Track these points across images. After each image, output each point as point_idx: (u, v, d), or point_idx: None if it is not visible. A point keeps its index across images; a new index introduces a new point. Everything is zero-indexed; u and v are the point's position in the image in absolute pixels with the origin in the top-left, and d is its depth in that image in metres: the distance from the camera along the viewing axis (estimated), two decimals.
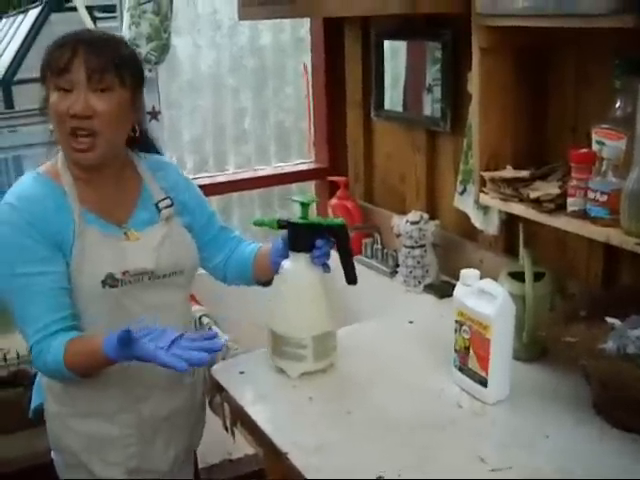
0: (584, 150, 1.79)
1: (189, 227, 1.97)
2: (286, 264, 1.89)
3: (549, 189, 1.86)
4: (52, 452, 2.00)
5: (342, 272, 1.92)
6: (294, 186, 3.46)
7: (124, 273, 1.78)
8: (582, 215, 1.77)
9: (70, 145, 1.73)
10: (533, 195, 1.86)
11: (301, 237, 1.87)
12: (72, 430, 1.89)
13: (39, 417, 1.99)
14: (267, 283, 2.02)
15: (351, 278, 1.93)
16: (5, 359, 3.08)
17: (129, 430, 1.90)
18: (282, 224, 1.89)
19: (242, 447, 2.93)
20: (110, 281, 1.76)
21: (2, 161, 3.85)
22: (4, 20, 8.14)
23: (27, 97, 5.14)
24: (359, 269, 1.89)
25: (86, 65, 1.69)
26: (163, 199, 1.90)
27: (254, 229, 2.18)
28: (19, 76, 7.10)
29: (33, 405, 2.03)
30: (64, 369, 1.69)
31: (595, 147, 1.77)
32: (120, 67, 1.73)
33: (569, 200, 1.79)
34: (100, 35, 1.78)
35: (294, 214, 1.95)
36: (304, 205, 1.87)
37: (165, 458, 1.98)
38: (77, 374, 1.72)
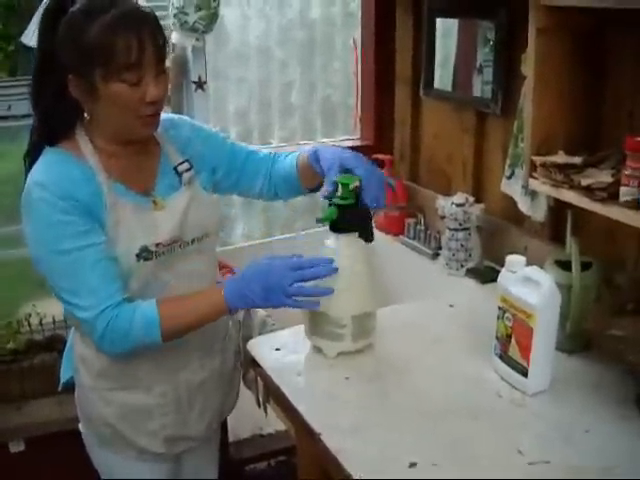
0: None
1: (209, 181, 1.95)
2: (329, 242, 1.85)
3: (602, 177, 1.81)
4: (80, 425, 2.01)
5: (384, 252, 1.89)
6: None
7: (157, 245, 1.76)
8: (635, 205, 1.71)
9: (135, 127, 1.71)
10: (585, 182, 1.81)
11: (344, 218, 1.83)
12: (108, 403, 1.89)
13: (69, 390, 1.99)
14: (317, 188, 1.98)
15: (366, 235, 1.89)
16: (41, 323, 3.10)
17: (165, 399, 1.91)
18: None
19: (273, 423, 2.95)
20: (145, 254, 1.74)
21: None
22: None
23: None
24: (401, 249, 1.86)
25: (156, 55, 1.64)
26: (181, 163, 1.87)
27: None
28: None
29: (63, 379, 2.02)
30: (156, 333, 1.69)
31: None
32: (165, 48, 1.71)
33: (622, 189, 1.73)
34: (145, 13, 1.67)
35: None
36: (345, 185, 1.84)
37: (200, 424, 2.00)
38: (171, 336, 1.73)
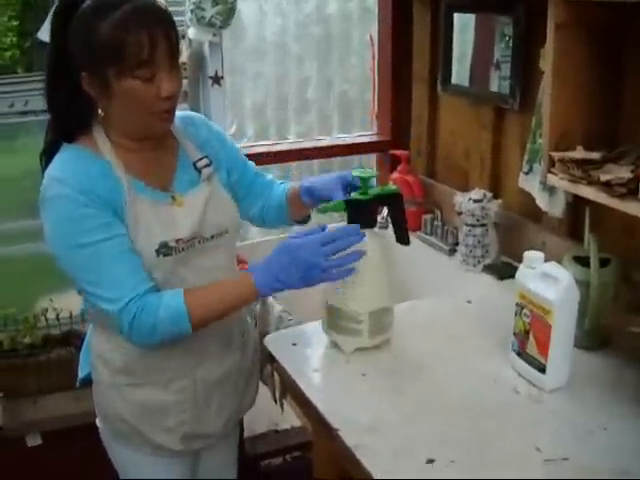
0: None
1: (226, 180, 1.95)
2: None
3: (621, 173, 1.80)
4: (98, 421, 2.00)
5: (401, 248, 1.88)
6: (355, 158, 3.42)
7: (177, 241, 1.76)
8: None
9: (150, 123, 1.71)
10: (604, 178, 1.80)
11: (362, 213, 1.83)
12: (125, 399, 1.88)
13: (85, 385, 1.99)
14: (303, 221, 2.04)
15: (404, 240, 1.90)
16: (58, 318, 3.11)
17: (183, 396, 1.89)
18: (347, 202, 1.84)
19: (289, 419, 2.95)
20: (164, 250, 1.74)
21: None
22: None
23: None
24: (418, 245, 1.86)
25: (169, 52, 1.64)
26: (200, 158, 1.87)
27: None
28: None
29: (81, 375, 2.01)
30: (185, 323, 1.68)
31: None
32: (178, 42, 1.70)
33: None
34: (156, 7, 1.66)
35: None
36: (363, 180, 1.84)
37: (217, 422, 1.98)
38: (200, 324, 1.72)
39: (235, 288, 1.74)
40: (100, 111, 1.75)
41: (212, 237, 1.85)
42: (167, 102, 1.68)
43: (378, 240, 1.86)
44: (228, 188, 1.95)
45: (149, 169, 1.79)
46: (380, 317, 1.88)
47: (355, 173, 1.86)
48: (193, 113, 2.03)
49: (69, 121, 1.73)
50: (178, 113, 1.85)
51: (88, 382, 1.98)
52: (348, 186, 1.88)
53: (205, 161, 1.87)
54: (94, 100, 1.71)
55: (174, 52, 1.66)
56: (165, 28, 1.63)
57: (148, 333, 1.69)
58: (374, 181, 1.92)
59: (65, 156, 1.72)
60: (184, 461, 2.00)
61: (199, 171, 1.85)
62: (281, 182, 2.09)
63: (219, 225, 1.86)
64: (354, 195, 1.84)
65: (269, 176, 2.12)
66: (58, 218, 1.67)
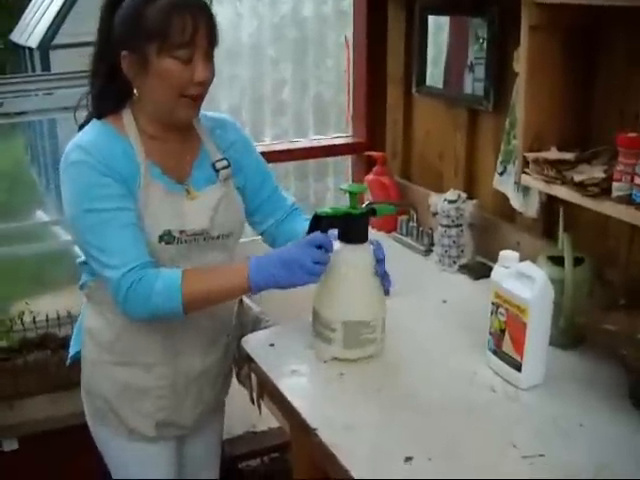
0: (632, 134, 1.74)
1: (242, 188, 1.99)
2: (336, 245, 1.84)
3: (594, 173, 1.82)
4: (82, 395, 2.05)
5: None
6: (330, 160, 3.43)
7: (181, 232, 1.82)
8: (627, 200, 1.72)
9: (179, 107, 1.77)
10: (577, 178, 1.82)
11: (353, 228, 1.84)
12: (108, 377, 1.94)
13: (76, 365, 2.04)
14: None
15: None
16: (34, 321, 3.09)
17: (163, 382, 1.95)
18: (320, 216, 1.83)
19: (267, 420, 2.95)
20: (167, 237, 1.80)
21: (37, 124, 3.85)
22: None
23: (64, 63, 5.14)
24: (393, 246, 1.87)
25: (208, 39, 1.75)
26: (220, 159, 1.92)
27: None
28: (57, 41, 7.10)
29: (72, 352, 2.07)
30: (177, 300, 1.72)
31: None
32: (216, 34, 1.80)
33: (614, 185, 1.75)
34: (204, 1, 1.78)
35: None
36: (352, 194, 1.84)
37: (192, 413, 2.04)
38: (191, 306, 1.76)
39: (231, 276, 1.78)
40: (135, 92, 1.82)
41: (218, 237, 1.90)
42: (198, 87, 1.76)
43: (367, 256, 1.85)
44: (242, 193, 1.99)
45: (169, 159, 1.86)
46: (357, 330, 1.85)
47: (344, 187, 1.87)
48: (226, 116, 2.10)
49: (104, 101, 1.82)
50: (211, 114, 1.98)
51: (78, 360, 2.03)
52: None
53: (224, 162, 1.92)
54: (129, 84, 1.79)
55: (213, 40, 1.77)
56: (207, 17, 1.75)
57: (141, 304, 1.73)
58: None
59: (92, 129, 1.82)
60: (158, 449, 2.03)
61: (217, 171, 1.91)
62: (306, 219, 2.02)
63: (227, 225, 1.91)
64: (342, 210, 1.84)
65: (292, 199, 2.13)
66: (77, 182, 1.75)
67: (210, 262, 1.88)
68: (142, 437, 1.98)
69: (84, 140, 1.78)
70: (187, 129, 1.89)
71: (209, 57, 1.77)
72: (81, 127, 1.84)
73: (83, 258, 1.89)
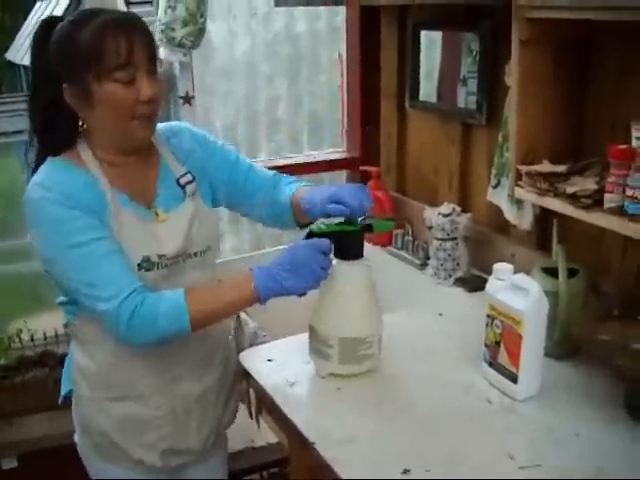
0: (623, 146, 1.76)
1: (215, 190, 1.96)
2: (335, 262, 1.84)
3: (586, 184, 1.83)
4: (76, 436, 1.99)
5: (372, 263, 1.89)
6: (325, 175, 3.45)
7: (160, 256, 1.77)
8: (619, 212, 1.73)
9: (132, 130, 1.71)
10: (570, 190, 1.83)
11: (349, 244, 1.84)
12: (106, 413, 1.87)
13: (61, 407, 2.00)
14: (306, 225, 1.96)
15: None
16: (32, 339, 3.10)
17: (162, 411, 1.89)
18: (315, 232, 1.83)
19: (265, 435, 2.95)
20: (146, 264, 1.74)
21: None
22: (38, 3, 8.15)
23: None
24: (389, 260, 1.88)
25: (147, 55, 1.68)
26: (183, 175, 1.87)
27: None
28: None
29: (63, 392, 2.00)
30: (185, 320, 1.68)
31: (635, 143, 1.74)
32: (155, 47, 1.75)
33: (606, 196, 1.76)
34: (134, 16, 1.74)
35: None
36: (332, 226, 1.84)
37: (198, 438, 1.97)
38: (199, 324, 1.73)
39: (236, 290, 1.75)
40: (83, 125, 1.77)
41: (196, 254, 1.86)
42: (147, 106, 1.70)
43: (363, 272, 1.87)
44: (212, 200, 1.96)
45: (134, 184, 1.80)
46: (353, 346, 1.86)
47: (317, 228, 1.84)
48: (176, 122, 2.05)
49: (52, 137, 1.75)
50: (161, 125, 1.89)
51: (70, 399, 1.97)
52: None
53: (188, 177, 1.87)
54: (76, 115, 1.73)
55: (152, 57, 1.71)
56: (143, 34, 1.68)
57: (147, 329, 1.69)
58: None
59: (50, 166, 1.74)
60: (163, 478, 1.98)
61: (183, 187, 1.86)
62: (292, 180, 2.03)
63: (203, 242, 1.87)
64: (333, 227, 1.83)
65: (267, 172, 2.06)
66: (47, 220, 1.68)
67: (191, 282, 1.82)
68: (148, 467, 1.92)
69: (42, 177, 1.71)
70: (146, 148, 1.83)
71: (152, 73, 1.71)
72: (36, 168, 1.76)
73: (63, 298, 1.84)
